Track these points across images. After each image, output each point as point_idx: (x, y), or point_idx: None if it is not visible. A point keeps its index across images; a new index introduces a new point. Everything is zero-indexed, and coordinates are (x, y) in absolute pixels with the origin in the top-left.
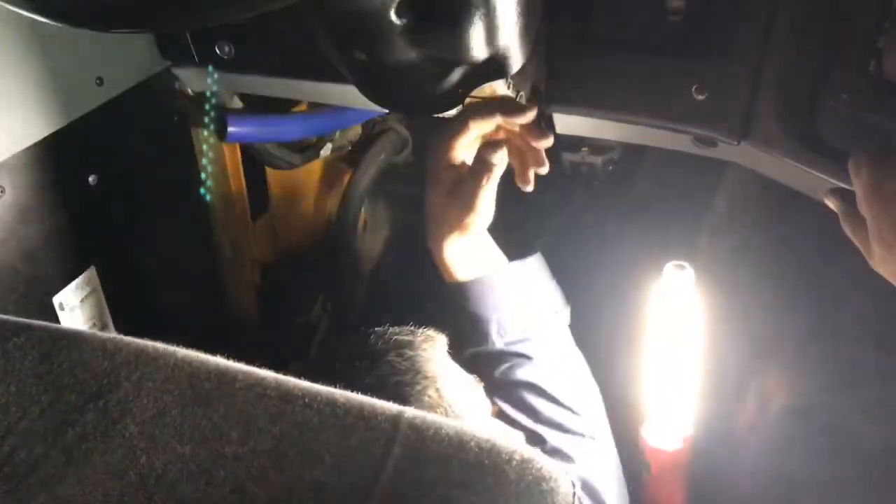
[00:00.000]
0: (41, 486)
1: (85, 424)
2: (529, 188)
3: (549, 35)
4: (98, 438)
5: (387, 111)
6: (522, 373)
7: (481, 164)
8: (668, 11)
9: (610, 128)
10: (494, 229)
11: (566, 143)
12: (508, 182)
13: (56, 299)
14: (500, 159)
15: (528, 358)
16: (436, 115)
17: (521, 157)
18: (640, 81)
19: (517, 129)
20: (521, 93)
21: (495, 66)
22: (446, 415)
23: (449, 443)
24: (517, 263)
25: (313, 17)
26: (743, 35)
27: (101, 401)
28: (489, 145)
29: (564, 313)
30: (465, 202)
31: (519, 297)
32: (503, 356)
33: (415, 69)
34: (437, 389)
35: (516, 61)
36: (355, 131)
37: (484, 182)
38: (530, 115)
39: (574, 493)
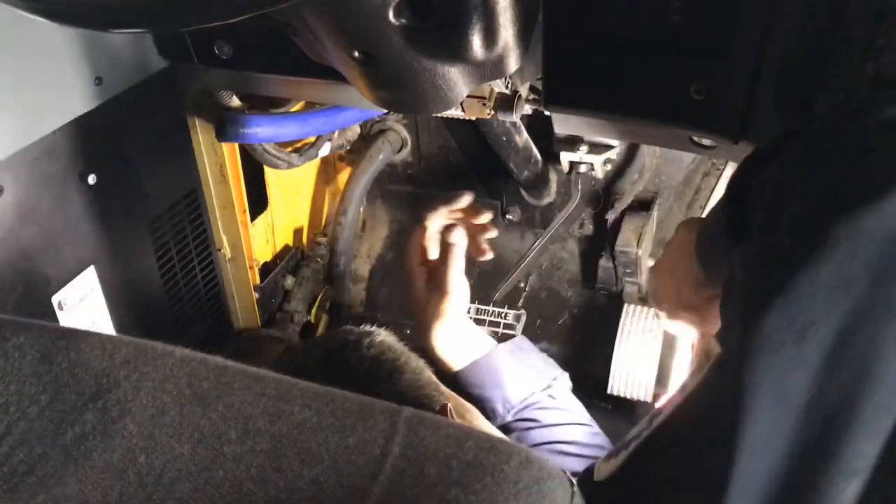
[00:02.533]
0: (40, 486)
1: (84, 424)
2: (487, 256)
3: (548, 35)
4: (97, 438)
5: (385, 111)
6: (535, 435)
7: (443, 247)
8: (667, 11)
9: (608, 127)
10: (496, 229)
11: (565, 142)
12: (510, 184)
13: (55, 299)
14: (458, 238)
15: (537, 421)
16: (435, 115)
17: (472, 233)
18: (638, 81)
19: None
20: (519, 92)
21: (494, 65)
22: (428, 380)
23: (447, 442)
24: (505, 344)
25: (313, 17)
26: (741, 35)
27: (101, 400)
28: (445, 231)
29: (563, 379)
30: (439, 288)
31: (515, 371)
32: (514, 425)
33: (413, 69)
34: (417, 360)
35: (515, 61)
36: (354, 131)
37: (450, 262)
38: (466, 200)
39: (573, 493)
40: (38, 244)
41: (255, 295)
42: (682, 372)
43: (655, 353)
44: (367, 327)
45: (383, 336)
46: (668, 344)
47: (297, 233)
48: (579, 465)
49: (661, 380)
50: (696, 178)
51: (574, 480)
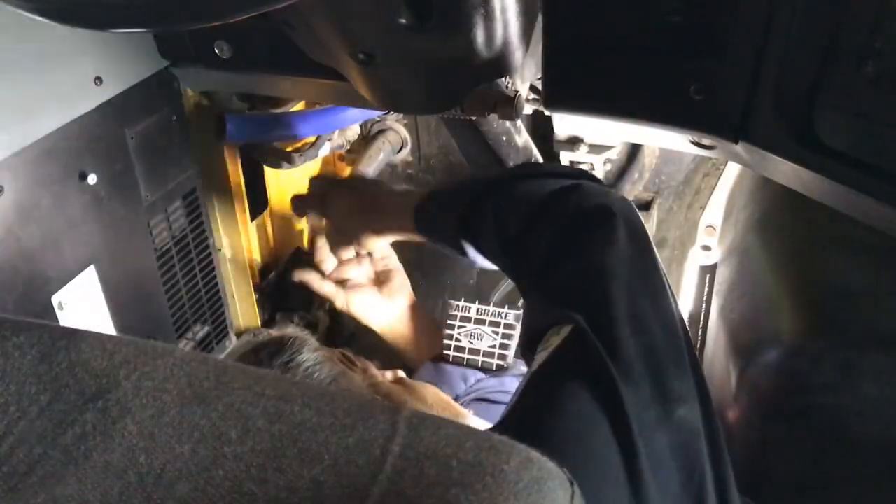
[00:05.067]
0: (40, 486)
1: (84, 424)
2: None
3: (548, 35)
4: (97, 438)
5: (385, 111)
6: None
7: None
8: (667, 11)
9: (608, 127)
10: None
11: (565, 142)
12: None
13: (55, 299)
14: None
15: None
16: (435, 115)
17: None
18: (638, 81)
19: None
20: (519, 92)
21: (494, 65)
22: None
23: (448, 442)
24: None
25: (313, 17)
26: (741, 35)
27: (101, 400)
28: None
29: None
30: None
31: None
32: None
33: (414, 69)
34: (344, 353)
35: (515, 61)
36: (354, 131)
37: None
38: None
39: (573, 493)
40: (38, 244)
41: (255, 295)
42: None
43: None
44: (285, 347)
45: (305, 356)
46: None
47: (298, 233)
48: None
49: None
50: (696, 178)
51: (574, 481)
